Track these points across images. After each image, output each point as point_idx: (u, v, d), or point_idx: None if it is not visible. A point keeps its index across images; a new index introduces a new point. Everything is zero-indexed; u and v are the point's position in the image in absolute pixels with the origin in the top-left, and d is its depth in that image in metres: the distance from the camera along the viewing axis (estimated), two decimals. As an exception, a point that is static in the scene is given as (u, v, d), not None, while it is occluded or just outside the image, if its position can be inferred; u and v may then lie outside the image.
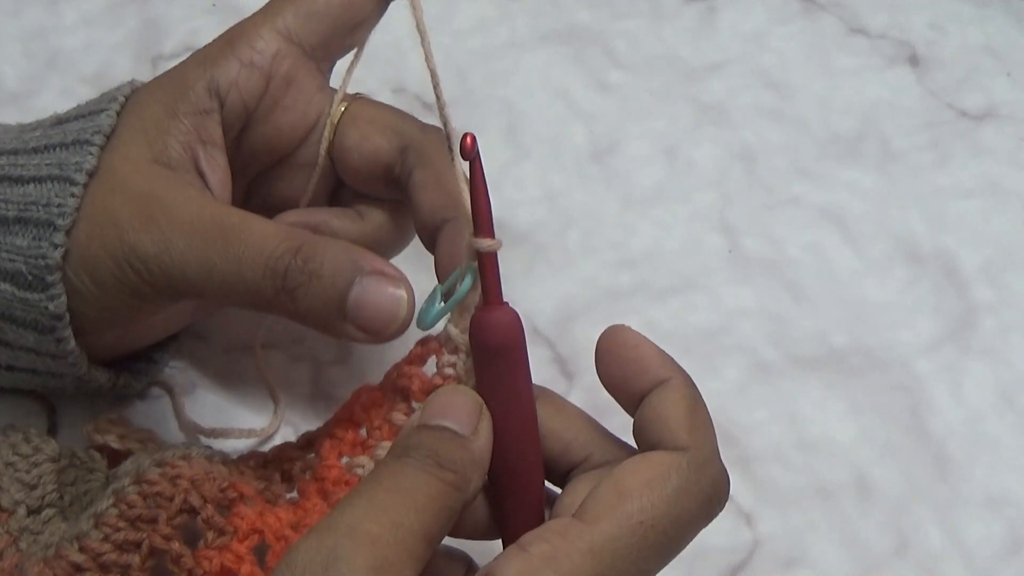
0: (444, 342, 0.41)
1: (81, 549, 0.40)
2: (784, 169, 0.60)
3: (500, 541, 0.39)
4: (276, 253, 0.42)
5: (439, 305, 0.40)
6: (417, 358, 0.42)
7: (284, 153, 0.48)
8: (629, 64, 0.63)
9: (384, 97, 0.60)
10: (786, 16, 0.65)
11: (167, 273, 0.42)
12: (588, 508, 0.35)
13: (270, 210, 0.48)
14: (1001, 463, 0.52)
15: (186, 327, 0.53)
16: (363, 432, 0.43)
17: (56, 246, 0.43)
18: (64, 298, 0.43)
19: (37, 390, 0.51)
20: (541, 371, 0.53)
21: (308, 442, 0.46)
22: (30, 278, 0.43)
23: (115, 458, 0.46)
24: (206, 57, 0.46)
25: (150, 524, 0.40)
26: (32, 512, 0.44)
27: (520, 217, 0.58)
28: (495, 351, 0.37)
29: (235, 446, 0.51)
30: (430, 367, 0.42)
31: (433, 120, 0.44)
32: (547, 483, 0.39)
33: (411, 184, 0.46)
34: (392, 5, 0.47)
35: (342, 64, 0.49)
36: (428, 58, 0.40)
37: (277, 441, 0.51)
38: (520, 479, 0.38)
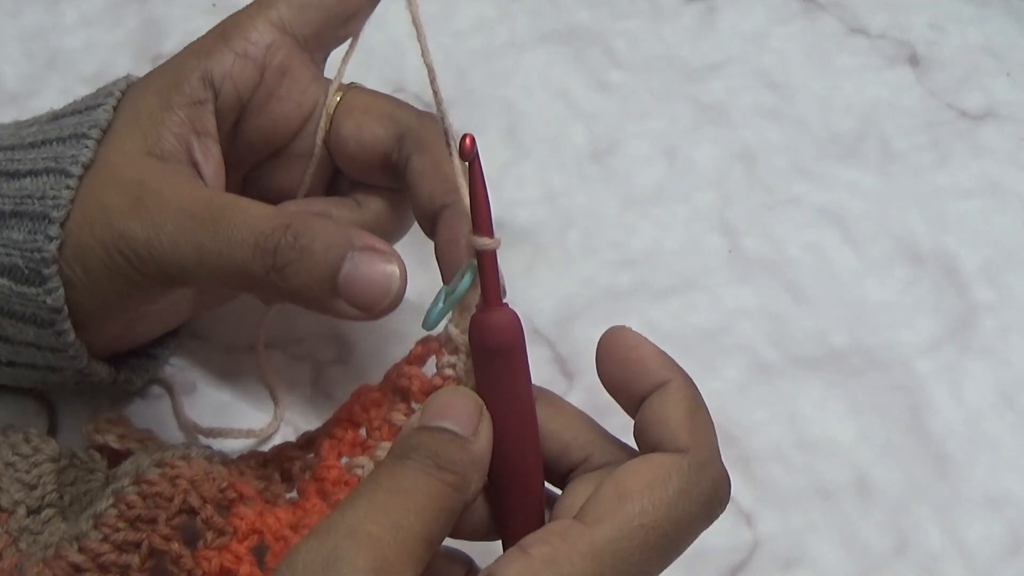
0: (444, 342, 0.41)
1: (81, 549, 0.40)
2: (784, 169, 0.60)
3: (500, 542, 0.39)
4: (266, 231, 0.41)
5: (440, 307, 0.40)
6: (417, 358, 0.42)
7: (280, 144, 0.48)
8: (629, 64, 0.63)
9: (383, 97, 0.60)
10: (786, 16, 0.65)
11: (157, 258, 0.42)
12: (589, 510, 0.35)
13: (268, 202, 0.48)
14: (1001, 463, 0.52)
15: (186, 326, 0.53)
16: (362, 432, 0.43)
17: (51, 238, 0.43)
18: (62, 291, 0.43)
19: (37, 389, 0.51)
20: (541, 371, 0.53)
21: (308, 442, 0.46)
22: (27, 272, 0.43)
23: (115, 458, 0.46)
24: (200, 49, 0.46)
25: (149, 524, 0.40)
26: (32, 512, 0.44)
27: (520, 217, 0.58)
28: (495, 352, 0.37)
29: (234, 446, 0.51)
30: (430, 367, 0.42)
31: (433, 118, 0.45)
32: (547, 484, 0.39)
33: (409, 171, 0.46)
34: (391, 3, 0.47)
35: (337, 55, 0.49)
36: (424, 53, 0.40)
37: (277, 441, 0.51)
38: (520, 480, 0.38)
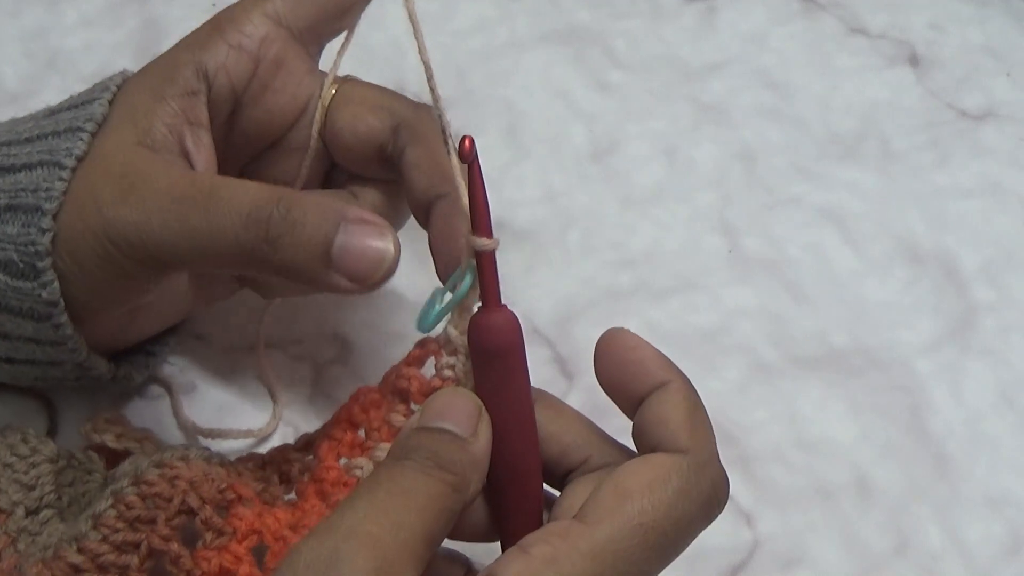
0: (443, 344, 0.41)
1: (80, 550, 0.40)
2: (784, 169, 0.60)
3: (499, 544, 0.39)
4: (258, 203, 0.41)
5: (439, 307, 0.40)
6: (416, 359, 0.42)
7: (275, 137, 0.48)
8: (629, 64, 0.63)
9: (383, 96, 0.60)
10: (786, 16, 0.65)
11: (147, 242, 0.42)
12: (589, 510, 0.35)
13: None
14: (1001, 463, 0.52)
15: (185, 325, 0.53)
16: (361, 433, 0.43)
17: (44, 231, 0.43)
18: (56, 284, 0.43)
19: (37, 387, 0.51)
20: (541, 371, 0.53)
21: (307, 444, 0.46)
22: (21, 266, 0.43)
23: (113, 459, 0.46)
24: (195, 41, 0.46)
25: (149, 525, 0.41)
26: (30, 513, 0.44)
27: (520, 217, 0.58)
28: (493, 353, 0.37)
29: (234, 446, 0.51)
30: (429, 369, 0.42)
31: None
32: (546, 486, 0.39)
33: (403, 162, 0.46)
34: (390, 3, 0.47)
35: (332, 49, 0.49)
36: (421, 51, 0.40)
37: (275, 441, 0.51)
38: (519, 481, 0.38)
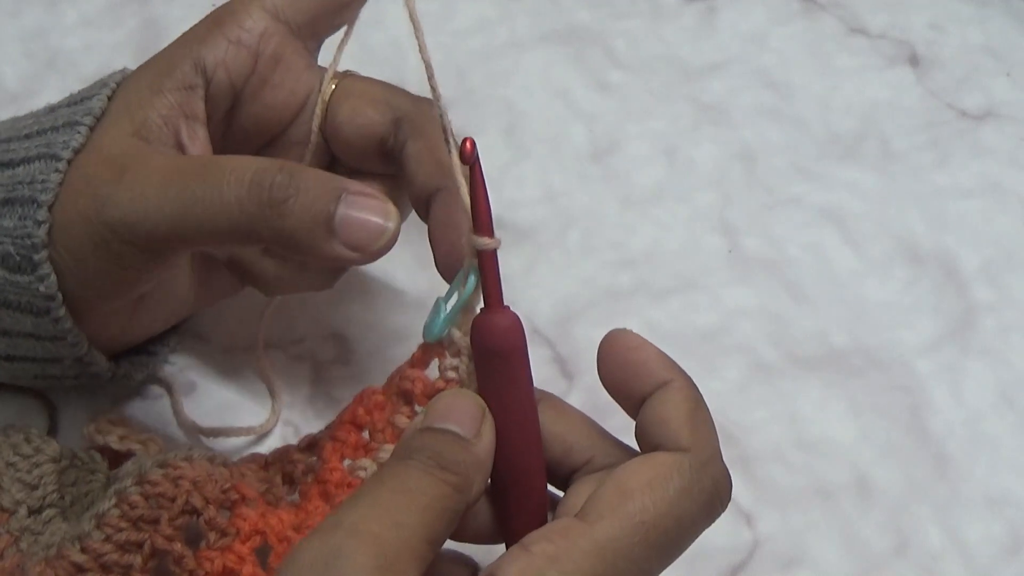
0: (447, 345, 0.41)
1: (83, 549, 0.40)
2: (784, 169, 0.60)
3: (504, 546, 0.39)
4: (262, 168, 0.41)
5: (444, 314, 0.40)
6: (420, 361, 0.42)
7: (275, 132, 0.48)
8: (629, 64, 0.63)
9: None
10: (786, 16, 0.65)
11: (144, 220, 0.42)
12: (590, 508, 0.35)
13: None
14: (1001, 463, 0.52)
15: (186, 325, 0.53)
16: (365, 435, 0.43)
17: (40, 223, 0.43)
18: (54, 277, 0.43)
19: (38, 388, 0.51)
20: (541, 371, 0.53)
21: (310, 445, 0.46)
22: (18, 259, 0.43)
23: (115, 459, 0.46)
24: (193, 36, 0.46)
25: (152, 525, 0.41)
26: (33, 512, 0.44)
27: (520, 217, 0.58)
28: (496, 354, 0.38)
29: (234, 444, 0.51)
30: (433, 371, 0.42)
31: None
32: (549, 487, 0.39)
33: (404, 155, 0.46)
34: (391, 3, 0.47)
35: (332, 44, 0.49)
36: (422, 49, 0.40)
37: (275, 438, 0.51)
38: (523, 482, 0.38)
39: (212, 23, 0.46)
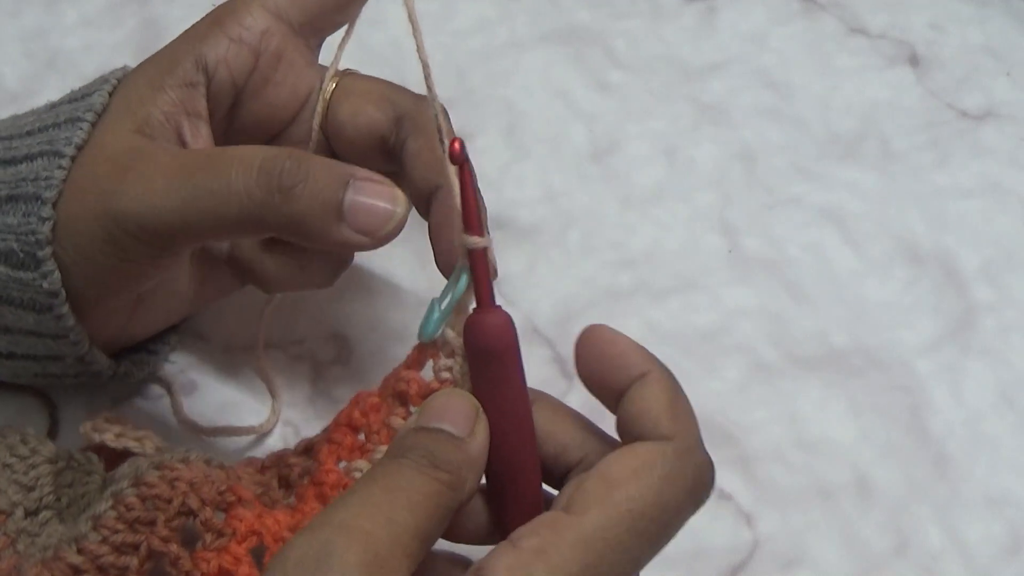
0: (441, 346, 0.41)
1: (79, 551, 0.40)
2: (784, 169, 0.60)
3: (501, 546, 0.39)
4: (270, 155, 0.42)
5: (437, 314, 0.40)
6: (414, 362, 0.42)
7: (276, 130, 0.48)
8: (629, 64, 0.63)
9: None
10: (786, 16, 0.65)
11: (150, 212, 0.42)
12: (576, 500, 0.36)
13: None
14: (1001, 463, 0.52)
15: (186, 324, 0.53)
16: (361, 437, 0.43)
17: (44, 219, 0.43)
18: (57, 274, 0.43)
19: (38, 384, 0.51)
20: (541, 371, 0.53)
21: (306, 448, 0.46)
22: (22, 255, 0.43)
23: (112, 460, 0.46)
24: (195, 34, 0.46)
25: (148, 526, 0.40)
26: (29, 514, 0.44)
27: (520, 217, 0.58)
28: (488, 354, 0.38)
29: (233, 443, 0.51)
30: (428, 371, 0.42)
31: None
32: (545, 486, 0.39)
33: (405, 153, 0.46)
34: (391, 3, 0.47)
35: (333, 43, 0.49)
36: (419, 49, 0.40)
37: (275, 437, 0.51)
38: (517, 481, 0.38)
39: (213, 21, 0.47)
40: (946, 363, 0.55)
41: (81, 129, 0.44)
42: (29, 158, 0.45)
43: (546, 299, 0.56)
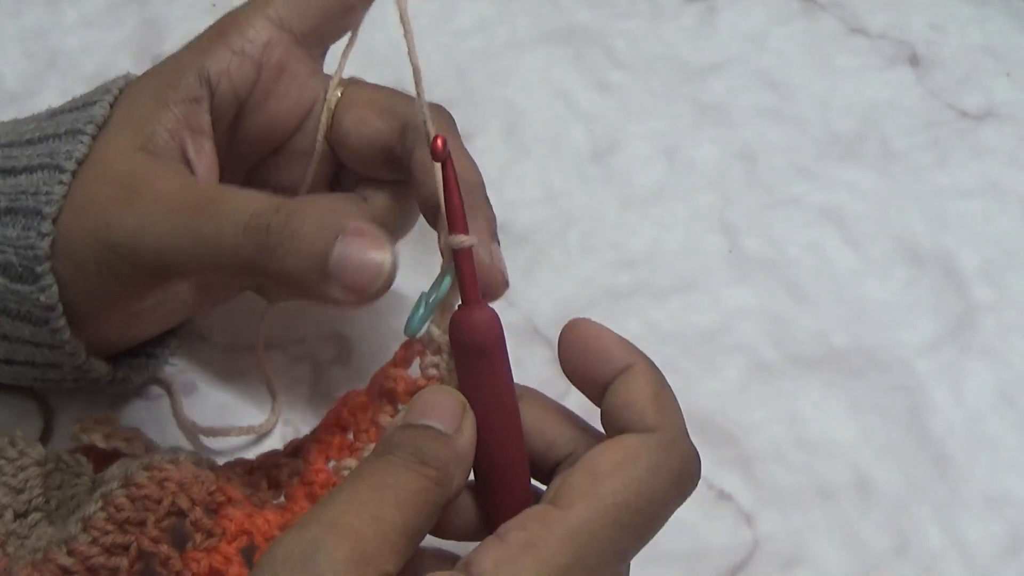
0: (427, 343, 0.41)
1: (69, 552, 0.40)
2: (784, 169, 0.60)
3: (489, 541, 0.39)
4: (258, 211, 0.41)
5: (423, 310, 0.40)
6: (401, 360, 0.42)
7: (280, 141, 0.48)
8: (629, 64, 0.63)
9: (383, 97, 0.60)
10: (786, 16, 0.65)
11: (147, 249, 0.42)
12: (563, 494, 0.36)
13: None
14: (1001, 463, 0.52)
15: (186, 325, 0.53)
16: (350, 436, 0.43)
17: (43, 235, 0.43)
18: (55, 288, 0.43)
19: (36, 390, 0.51)
20: (541, 371, 0.53)
21: (295, 449, 0.46)
22: (20, 269, 0.43)
23: (101, 462, 0.46)
24: (197, 47, 0.46)
25: (138, 527, 0.40)
26: (19, 516, 0.43)
27: (520, 217, 0.58)
28: (474, 350, 0.38)
29: (233, 444, 0.51)
30: (415, 369, 0.42)
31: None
32: (535, 481, 0.39)
33: (412, 163, 0.46)
34: (390, 4, 0.47)
35: (337, 50, 0.49)
36: (411, 51, 0.40)
37: (275, 437, 0.51)
38: (506, 476, 0.39)
39: (215, 34, 0.46)
40: (946, 363, 0.55)
41: (82, 143, 0.44)
42: (29, 170, 0.44)
43: (546, 299, 0.56)
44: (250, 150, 0.48)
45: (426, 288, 0.41)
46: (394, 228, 0.49)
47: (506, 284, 0.43)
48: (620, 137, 0.61)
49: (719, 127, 0.61)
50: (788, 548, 0.50)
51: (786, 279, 0.57)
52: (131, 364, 0.50)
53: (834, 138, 0.61)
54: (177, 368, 0.53)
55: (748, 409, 0.53)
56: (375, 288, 0.41)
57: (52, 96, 0.50)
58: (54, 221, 0.43)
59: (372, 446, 0.42)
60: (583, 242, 0.57)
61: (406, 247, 0.51)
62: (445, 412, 0.37)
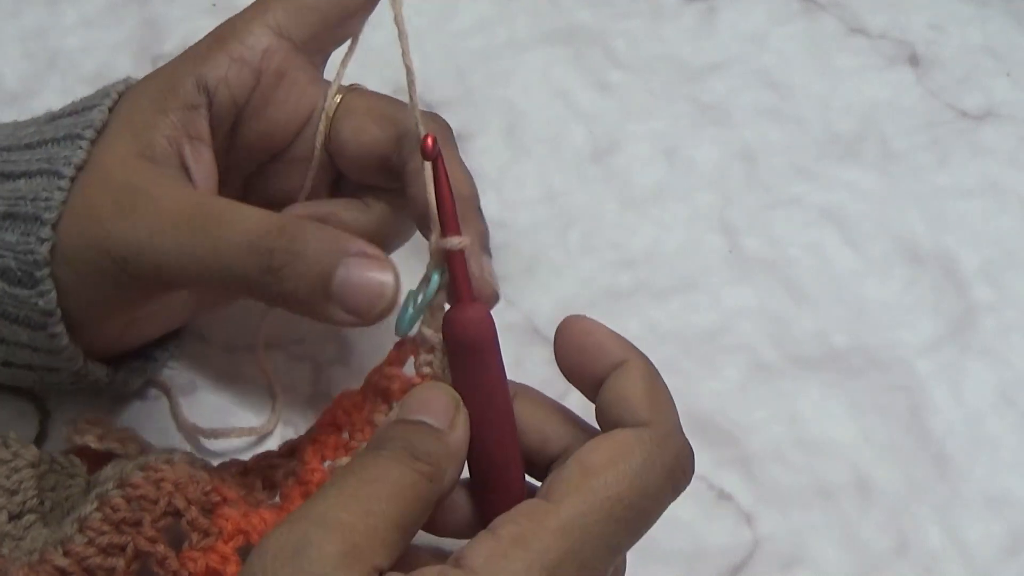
0: (420, 342, 0.41)
1: (66, 553, 0.40)
2: (784, 169, 0.60)
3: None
4: (260, 233, 0.41)
5: (412, 309, 0.40)
6: (396, 359, 0.42)
7: (279, 148, 0.48)
8: (629, 64, 0.63)
9: (383, 98, 0.60)
10: (786, 16, 0.65)
11: (148, 261, 0.42)
12: (555, 488, 0.36)
13: (270, 206, 0.47)
14: (1001, 463, 0.52)
15: (186, 327, 0.53)
16: (345, 435, 0.43)
17: (43, 240, 0.43)
18: (54, 294, 0.43)
19: (34, 392, 0.51)
20: (541, 371, 0.53)
21: (290, 449, 0.46)
22: (19, 274, 0.43)
23: (94, 463, 0.46)
24: (196, 54, 0.46)
25: (134, 527, 0.40)
26: (13, 518, 0.43)
27: (520, 217, 0.58)
28: (468, 347, 0.38)
29: (233, 444, 0.51)
30: (409, 368, 0.42)
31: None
32: (529, 478, 0.40)
33: (407, 172, 0.46)
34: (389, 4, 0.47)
35: (338, 56, 0.49)
36: (404, 54, 0.40)
37: (275, 437, 0.51)
38: (500, 473, 0.39)
39: (214, 40, 0.46)
40: (946, 363, 0.55)
41: (80, 148, 0.44)
42: (28, 175, 0.44)
43: (546, 299, 0.56)
44: (249, 157, 0.48)
45: (414, 287, 0.41)
46: (395, 235, 0.49)
47: (497, 297, 0.43)
48: (620, 137, 0.61)
49: (719, 127, 0.61)
50: (788, 548, 0.50)
51: (786, 279, 0.57)
52: (130, 367, 0.50)
53: (834, 138, 0.61)
54: (177, 368, 0.53)
55: (748, 409, 0.53)
56: (378, 310, 0.41)
57: (52, 96, 0.50)
58: (53, 227, 0.43)
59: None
60: (583, 242, 0.57)
61: (406, 248, 0.51)
62: (438, 408, 0.37)
